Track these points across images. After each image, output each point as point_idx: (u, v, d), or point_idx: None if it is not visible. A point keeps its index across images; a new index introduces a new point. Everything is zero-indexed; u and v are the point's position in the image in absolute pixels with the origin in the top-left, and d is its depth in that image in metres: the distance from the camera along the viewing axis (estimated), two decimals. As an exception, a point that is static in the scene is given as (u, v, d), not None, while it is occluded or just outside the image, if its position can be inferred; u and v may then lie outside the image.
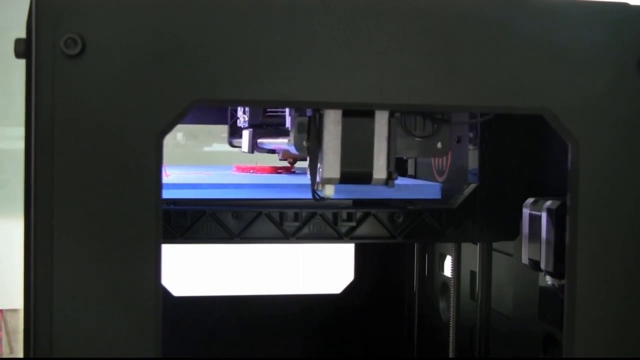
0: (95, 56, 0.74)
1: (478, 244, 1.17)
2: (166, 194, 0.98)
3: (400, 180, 1.22)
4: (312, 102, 0.80)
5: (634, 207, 0.83)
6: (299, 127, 0.88)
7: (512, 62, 0.80)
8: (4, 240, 2.37)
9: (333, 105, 0.83)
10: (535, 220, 0.95)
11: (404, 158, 1.41)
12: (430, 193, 1.11)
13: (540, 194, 0.98)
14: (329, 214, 1.05)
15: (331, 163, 0.87)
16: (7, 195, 2.49)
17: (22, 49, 0.77)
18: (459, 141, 1.16)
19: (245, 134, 1.20)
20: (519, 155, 1.09)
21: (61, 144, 0.73)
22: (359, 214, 1.06)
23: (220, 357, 1.38)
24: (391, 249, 1.45)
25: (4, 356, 2.54)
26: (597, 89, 0.82)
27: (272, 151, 1.19)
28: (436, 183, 1.19)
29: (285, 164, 1.24)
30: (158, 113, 0.75)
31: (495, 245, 1.16)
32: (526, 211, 0.98)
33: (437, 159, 1.24)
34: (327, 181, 0.88)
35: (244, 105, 0.89)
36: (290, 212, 1.05)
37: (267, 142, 1.15)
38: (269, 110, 1.16)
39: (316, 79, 0.77)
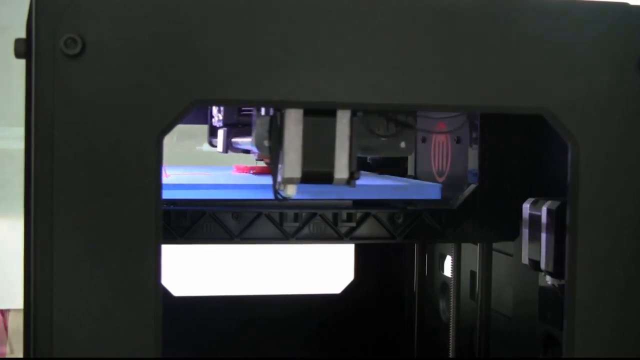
0: (95, 56, 0.74)
1: (478, 244, 1.17)
2: (166, 195, 0.98)
3: (400, 181, 1.22)
4: (313, 102, 0.80)
5: (634, 207, 0.83)
6: (260, 127, 0.86)
7: (512, 62, 0.80)
8: (4, 240, 2.37)
9: (335, 106, 0.83)
10: (535, 220, 0.95)
11: (367, 158, 1.41)
12: (430, 193, 1.11)
13: (540, 194, 0.98)
14: (329, 214, 1.05)
15: (292, 162, 0.85)
16: (7, 195, 2.49)
17: (22, 49, 0.76)
18: (459, 141, 1.16)
19: (220, 133, 1.18)
20: (519, 155, 1.09)
21: (61, 144, 0.73)
22: (358, 214, 1.06)
23: (220, 357, 1.38)
24: (391, 249, 1.45)
25: (4, 356, 2.54)
26: (597, 89, 0.82)
27: (247, 151, 1.15)
28: (436, 183, 1.19)
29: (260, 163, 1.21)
30: (158, 113, 0.75)
31: (495, 245, 1.16)
32: (526, 211, 0.98)
33: (437, 159, 1.24)
34: (288, 181, 0.86)
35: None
36: (290, 213, 1.04)
37: (242, 141, 1.13)
38: (243, 109, 1.13)
39: (317, 80, 0.77)
